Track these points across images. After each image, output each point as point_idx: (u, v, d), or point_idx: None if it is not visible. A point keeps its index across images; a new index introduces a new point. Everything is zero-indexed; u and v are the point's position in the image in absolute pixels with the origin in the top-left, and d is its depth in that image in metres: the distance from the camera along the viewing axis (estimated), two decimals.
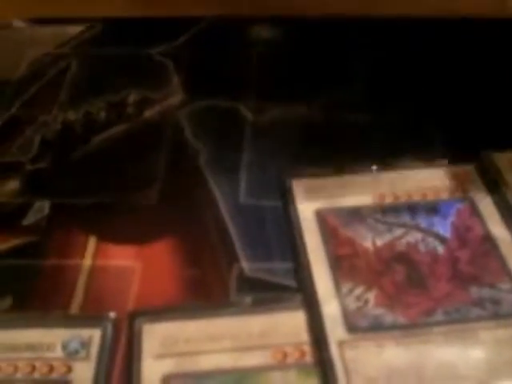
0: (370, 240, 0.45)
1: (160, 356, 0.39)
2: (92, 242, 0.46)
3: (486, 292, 0.41)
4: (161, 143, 0.54)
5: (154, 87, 0.60)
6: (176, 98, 0.59)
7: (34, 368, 0.39)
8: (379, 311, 0.41)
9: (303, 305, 0.42)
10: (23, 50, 0.65)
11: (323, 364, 0.39)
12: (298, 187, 0.49)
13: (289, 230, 0.47)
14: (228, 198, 0.49)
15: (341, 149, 0.53)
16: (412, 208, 0.47)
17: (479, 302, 0.40)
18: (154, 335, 0.39)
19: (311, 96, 0.58)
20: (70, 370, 0.39)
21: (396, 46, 0.62)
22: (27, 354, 0.39)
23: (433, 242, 0.45)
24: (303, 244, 0.45)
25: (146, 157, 0.53)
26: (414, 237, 0.45)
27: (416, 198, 0.48)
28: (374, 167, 0.50)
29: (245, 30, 0.67)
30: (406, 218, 0.47)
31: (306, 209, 0.48)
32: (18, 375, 0.39)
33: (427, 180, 0.49)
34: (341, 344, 0.39)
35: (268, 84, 0.60)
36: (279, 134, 0.55)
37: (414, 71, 0.59)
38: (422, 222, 0.46)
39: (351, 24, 0.64)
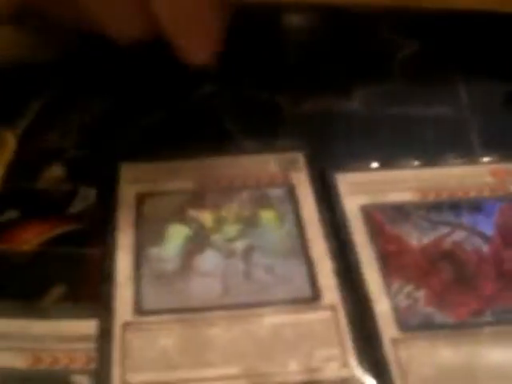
0: (415, 238, 0.45)
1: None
2: None
3: None
4: (200, 133, 0.54)
5: (187, 73, 0.59)
6: (211, 86, 0.58)
7: (89, 360, 0.39)
8: (429, 310, 0.41)
9: (348, 301, 0.42)
10: (56, 32, 0.64)
11: (377, 362, 0.39)
12: (342, 182, 0.49)
13: (334, 225, 0.46)
14: None
15: (382, 143, 0.53)
16: (455, 206, 0.48)
17: None
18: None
19: (351, 87, 0.58)
20: None
21: (432, 36, 0.62)
22: (83, 345, 0.39)
23: (478, 241, 0.46)
24: (351, 240, 0.45)
25: (186, 147, 0.53)
26: (459, 235, 0.46)
27: (458, 195, 0.48)
28: (416, 163, 0.50)
29: (278, 18, 0.66)
30: (449, 216, 0.47)
31: (352, 204, 0.48)
32: (74, 366, 0.39)
33: (469, 177, 0.49)
34: (394, 342, 0.40)
35: (305, 74, 0.59)
36: (319, 127, 0.55)
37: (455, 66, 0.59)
38: (466, 220, 0.47)
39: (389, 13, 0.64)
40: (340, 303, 0.42)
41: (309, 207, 0.48)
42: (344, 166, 0.51)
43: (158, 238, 0.46)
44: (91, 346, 0.40)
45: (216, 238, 0.46)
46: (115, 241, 0.45)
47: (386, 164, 0.50)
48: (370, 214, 0.47)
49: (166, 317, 0.41)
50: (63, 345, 0.40)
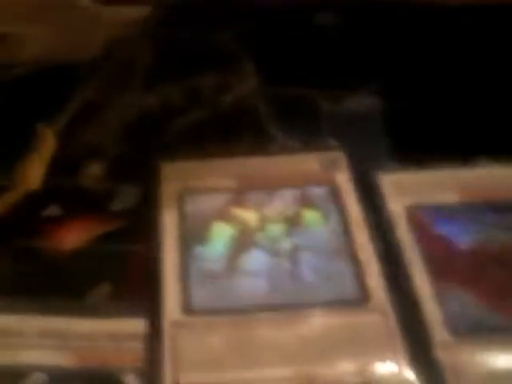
0: (463, 240, 0.45)
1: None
2: None
3: None
4: (240, 130, 0.54)
5: (226, 72, 0.59)
6: (250, 84, 0.58)
7: (138, 359, 0.39)
8: (479, 313, 0.41)
9: (397, 304, 0.41)
10: (92, 30, 0.64)
11: (429, 366, 0.38)
12: (386, 182, 0.49)
13: (380, 226, 0.46)
14: None
15: (422, 143, 0.52)
16: (501, 207, 0.47)
17: None
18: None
19: (387, 85, 0.57)
20: None
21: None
22: (132, 344, 0.39)
23: None
24: (397, 242, 0.45)
25: (226, 144, 0.52)
26: (505, 237, 0.45)
27: (500, 196, 0.48)
28: (458, 163, 0.50)
29: (311, 16, 0.66)
30: (496, 218, 0.46)
31: (396, 205, 0.47)
32: (123, 365, 0.38)
33: (510, 178, 0.49)
34: (445, 346, 0.39)
35: (342, 72, 0.59)
36: (358, 125, 0.54)
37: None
38: (510, 222, 0.46)
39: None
40: (389, 306, 0.41)
41: (353, 207, 0.47)
42: (386, 166, 0.50)
43: (203, 236, 0.45)
44: (139, 344, 0.39)
45: (260, 237, 0.45)
46: (160, 239, 0.44)
47: (428, 164, 0.49)
48: (415, 216, 0.47)
49: (214, 317, 0.41)
50: (111, 343, 0.39)
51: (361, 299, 0.42)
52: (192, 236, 0.45)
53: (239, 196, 0.48)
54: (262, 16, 0.62)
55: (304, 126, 0.54)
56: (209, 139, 0.53)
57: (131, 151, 0.52)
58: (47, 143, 0.52)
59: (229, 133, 0.54)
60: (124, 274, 0.44)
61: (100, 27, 0.63)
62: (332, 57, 0.60)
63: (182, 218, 0.46)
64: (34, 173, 0.50)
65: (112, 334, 0.40)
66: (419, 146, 0.52)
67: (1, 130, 0.53)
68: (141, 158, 0.52)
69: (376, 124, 0.54)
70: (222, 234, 0.45)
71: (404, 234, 0.46)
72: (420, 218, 0.46)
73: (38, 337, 0.39)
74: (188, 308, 0.41)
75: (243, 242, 0.45)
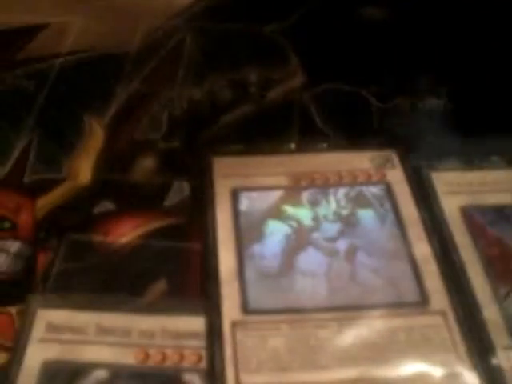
0: None
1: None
2: None
3: None
4: (289, 125, 0.53)
5: (272, 66, 0.59)
6: (297, 79, 0.58)
7: (200, 358, 0.38)
8: None
9: (457, 306, 0.41)
10: (134, 21, 0.64)
11: (491, 370, 0.38)
12: (439, 181, 0.48)
13: (435, 226, 0.45)
14: None
15: (474, 141, 0.52)
16: None
17: None
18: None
19: (438, 82, 0.56)
20: None
21: None
22: (192, 342, 0.39)
23: None
24: (453, 242, 0.44)
25: (275, 139, 0.52)
26: None
27: None
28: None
29: (356, 10, 0.65)
30: None
31: (451, 205, 0.47)
32: (184, 364, 0.38)
33: None
34: (506, 350, 0.39)
35: (390, 68, 0.58)
36: (408, 123, 0.54)
37: None
38: None
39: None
40: (449, 308, 0.41)
41: (408, 206, 0.47)
42: (439, 165, 0.49)
43: (258, 234, 0.45)
44: (200, 343, 0.39)
45: (316, 236, 0.45)
46: (215, 237, 0.44)
47: (479, 163, 0.49)
48: (470, 216, 0.46)
49: (273, 317, 0.40)
50: (172, 341, 0.39)
51: (421, 302, 0.41)
52: (248, 234, 0.45)
53: (293, 194, 0.48)
54: (310, 10, 0.61)
55: (354, 122, 0.53)
56: (256, 134, 0.53)
57: (180, 145, 0.52)
58: (95, 136, 0.52)
59: (277, 128, 0.53)
60: (180, 270, 0.43)
61: (143, 17, 0.62)
62: (381, 52, 0.59)
63: (236, 215, 0.45)
64: (83, 166, 0.49)
65: (172, 331, 0.39)
66: (474, 145, 0.51)
67: (47, 123, 0.53)
68: (190, 153, 0.51)
69: (429, 122, 0.53)
70: (276, 233, 0.45)
71: (459, 235, 0.45)
72: (475, 219, 0.45)
73: (98, 334, 0.39)
74: (247, 308, 0.41)
75: (298, 240, 0.44)
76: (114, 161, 0.51)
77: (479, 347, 0.39)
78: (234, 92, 0.56)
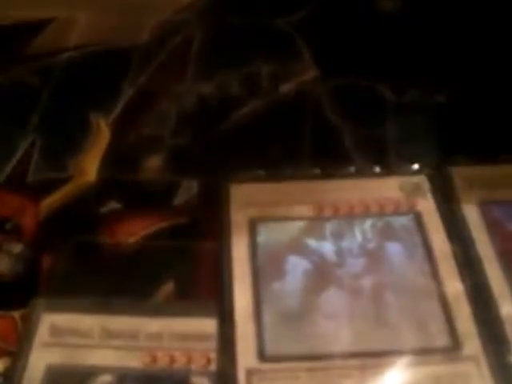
0: None
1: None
2: None
3: None
4: (301, 121, 0.52)
5: (284, 60, 0.57)
6: (310, 73, 0.56)
7: (208, 360, 0.37)
8: None
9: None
10: (142, 15, 0.63)
11: (503, 369, 0.36)
12: (457, 177, 0.46)
13: (449, 221, 0.44)
14: None
15: (491, 137, 0.50)
16: None
17: None
18: None
19: (452, 78, 0.55)
20: None
21: None
22: (201, 345, 0.38)
23: None
24: (470, 237, 0.42)
25: (288, 135, 0.51)
26: None
27: None
28: None
29: (370, 1, 0.63)
30: None
31: (468, 200, 0.45)
32: (193, 366, 0.37)
33: None
34: None
35: (404, 61, 0.57)
36: (424, 118, 0.52)
37: None
38: None
39: None
40: (482, 354, 0.38)
41: (439, 239, 0.43)
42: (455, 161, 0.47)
43: (277, 271, 0.42)
44: (209, 345, 0.38)
45: (340, 273, 0.42)
46: (231, 272, 0.42)
47: (504, 158, 0.47)
48: (488, 211, 0.45)
49: (292, 364, 0.38)
50: (180, 344, 0.38)
51: (452, 347, 0.38)
52: (265, 270, 0.42)
53: (315, 225, 0.44)
54: (322, 1, 0.60)
55: (368, 117, 0.52)
56: (268, 131, 0.51)
57: (189, 143, 0.50)
58: (102, 134, 0.51)
59: (288, 123, 0.52)
60: (189, 271, 0.42)
61: (151, 11, 0.61)
62: (396, 44, 0.58)
63: (254, 248, 0.43)
64: (88, 165, 0.48)
65: (180, 333, 0.38)
66: (487, 140, 0.50)
67: (52, 120, 0.52)
68: (200, 150, 0.50)
69: (445, 116, 0.51)
70: (297, 269, 0.42)
71: (476, 230, 0.44)
72: (493, 214, 0.44)
73: (105, 337, 0.38)
74: (263, 354, 0.38)
75: (321, 278, 0.42)
76: (119, 159, 0.49)
77: (491, 342, 0.37)
78: (245, 87, 0.55)
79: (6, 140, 0.50)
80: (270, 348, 0.38)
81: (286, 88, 0.55)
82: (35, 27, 0.58)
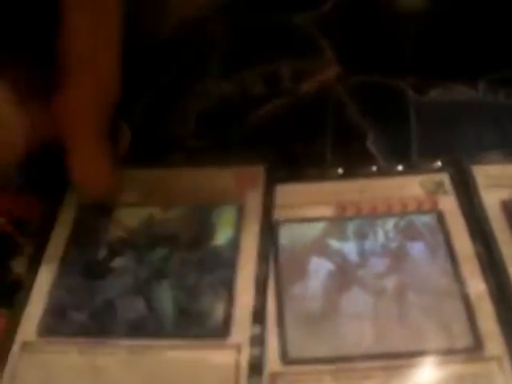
0: None
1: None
2: None
3: None
4: (323, 120, 0.52)
5: (305, 58, 0.57)
6: (332, 71, 0.56)
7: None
8: None
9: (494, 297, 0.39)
10: (163, 13, 0.63)
11: None
12: (479, 175, 0.46)
13: (472, 219, 0.43)
14: None
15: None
16: None
17: None
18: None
19: (476, 73, 0.54)
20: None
21: None
22: None
23: None
24: (493, 236, 0.42)
25: (310, 134, 0.50)
26: None
27: None
28: None
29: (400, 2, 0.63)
30: None
31: (491, 199, 0.44)
32: None
33: None
34: None
35: (427, 59, 0.56)
36: (447, 115, 0.52)
37: None
38: None
39: None
40: (505, 354, 0.37)
41: (461, 238, 0.43)
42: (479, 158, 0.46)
43: (300, 272, 0.42)
44: None
45: (362, 273, 0.42)
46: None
47: None
48: None
49: (315, 367, 0.37)
50: None
51: (474, 347, 0.37)
52: (287, 271, 0.42)
53: (337, 225, 0.44)
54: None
55: (390, 115, 0.51)
56: (290, 131, 0.51)
57: (210, 143, 0.50)
58: (122, 136, 0.51)
59: (310, 121, 0.52)
60: None
61: (172, 9, 0.61)
62: (418, 42, 0.57)
63: (276, 250, 0.43)
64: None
65: None
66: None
67: None
68: (220, 151, 0.50)
69: (469, 114, 0.51)
70: (320, 270, 0.42)
71: (500, 229, 0.43)
72: None
73: None
74: (286, 357, 0.38)
75: (343, 278, 0.41)
76: (143, 159, 0.49)
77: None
78: (266, 86, 0.55)
79: None
80: (293, 351, 0.38)
81: (307, 86, 0.55)
82: None
